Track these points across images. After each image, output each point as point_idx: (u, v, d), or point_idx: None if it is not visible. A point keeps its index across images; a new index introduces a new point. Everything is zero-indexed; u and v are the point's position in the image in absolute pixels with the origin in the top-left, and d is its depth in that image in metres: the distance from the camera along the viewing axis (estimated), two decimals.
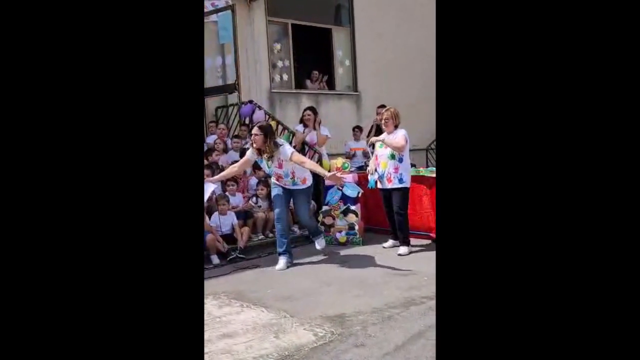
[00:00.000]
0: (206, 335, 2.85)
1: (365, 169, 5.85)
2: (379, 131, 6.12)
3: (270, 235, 5.67)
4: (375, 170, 5.04)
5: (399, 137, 4.90)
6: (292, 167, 4.53)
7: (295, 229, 6.00)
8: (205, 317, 3.17)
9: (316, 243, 5.05)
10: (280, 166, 4.53)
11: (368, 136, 7.06)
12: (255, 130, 4.56)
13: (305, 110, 6.83)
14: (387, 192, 5.02)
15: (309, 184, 4.76)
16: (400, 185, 4.91)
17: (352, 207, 5.58)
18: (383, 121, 5.11)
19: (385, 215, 5.22)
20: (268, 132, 4.48)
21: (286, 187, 4.67)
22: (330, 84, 8.78)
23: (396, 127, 5.01)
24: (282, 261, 4.65)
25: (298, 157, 4.50)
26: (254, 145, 4.53)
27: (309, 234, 5.18)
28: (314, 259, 4.93)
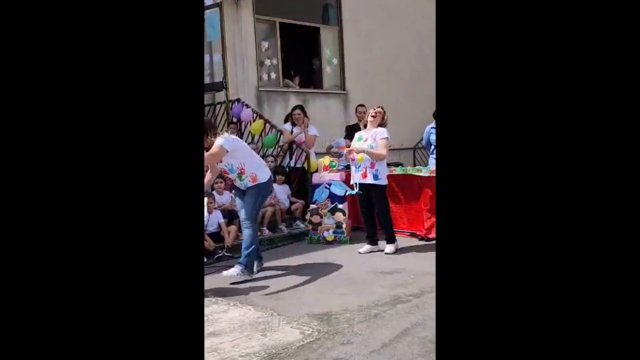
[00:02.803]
0: None
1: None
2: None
3: (258, 233, 5.65)
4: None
5: (380, 144, 4.83)
6: (240, 163, 4.21)
7: (283, 227, 6.00)
8: None
9: (236, 269, 4.13)
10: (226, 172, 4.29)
11: (350, 137, 7.01)
12: None
13: (294, 109, 6.80)
14: (362, 187, 4.92)
15: (260, 182, 4.30)
16: (375, 182, 4.85)
17: (340, 206, 5.60)
18: (370, 116, 5.02)
19: (362, 216, 5.15)
20: (207, 127, 4.16)
21: (241, 189, 4.37)
22: (318, 83, 8.78)
23: (379, 126, 4.96)
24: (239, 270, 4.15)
25: (212, 149, 4.05)
26: None
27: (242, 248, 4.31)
28: (301, 257, 4.93)
